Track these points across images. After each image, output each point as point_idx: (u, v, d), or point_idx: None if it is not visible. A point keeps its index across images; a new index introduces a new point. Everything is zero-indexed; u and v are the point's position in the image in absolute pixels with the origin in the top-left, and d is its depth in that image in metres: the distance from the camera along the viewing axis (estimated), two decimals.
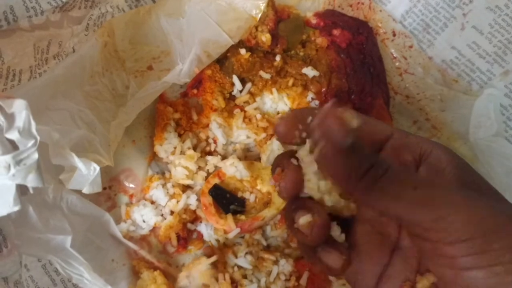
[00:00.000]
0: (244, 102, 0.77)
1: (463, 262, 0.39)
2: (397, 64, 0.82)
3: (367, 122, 0.49)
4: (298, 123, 0.46)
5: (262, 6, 0.74)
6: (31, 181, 0.49)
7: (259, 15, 0.74)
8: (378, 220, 0.48)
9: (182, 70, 0.71)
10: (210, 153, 0.77)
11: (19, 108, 0.46)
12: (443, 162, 0.45)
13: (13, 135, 0.46)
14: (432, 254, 0.42)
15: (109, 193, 0.75)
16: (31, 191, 0.50)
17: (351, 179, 0.41)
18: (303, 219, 0.45)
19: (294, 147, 0.48)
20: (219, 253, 0.73)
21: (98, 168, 0.57)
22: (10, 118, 0.46)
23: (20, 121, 0.46)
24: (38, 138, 0.47)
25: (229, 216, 0.72)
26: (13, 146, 0.47)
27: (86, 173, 0.57)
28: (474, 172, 0.47)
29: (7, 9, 0.53)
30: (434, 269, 0.43)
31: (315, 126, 0.41)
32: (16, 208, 0.49)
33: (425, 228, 0.40)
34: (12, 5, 0.53)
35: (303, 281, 0.72)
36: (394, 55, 0.82)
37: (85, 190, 0.58)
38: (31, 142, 0.47)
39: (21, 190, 0.49)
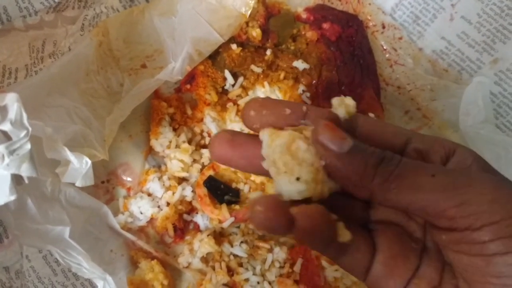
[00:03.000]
0: (236, 96, 0.79)
1: (493, 247, 0.35)
2: (387, 55, 0.84)
3: (379, 125, 0.45)
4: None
5: (251, 3, 0.76)
6: (25, 171, 0.51)
7: (249, 12, 0.76)
8: (404, 223, 0.44)
9: (175, 68, 0.73)
10: (204, 146, 0.80)
11: (11, 101, 0.49)
12: (469, 159, 0.42)
13: (5, 126, 0.49)
14: (461, 244, 0.37)
15: (107, 186, 0.77)
16: (26, 180, 0.53)
17: (365, 180, 0.38)
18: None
19: None
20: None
21: (89, 162, 0.60)
22: (3, 111, 0.49)
23: (12, 113, 0.49)
24: (30, 129, 0.49)
25: (223, 206, 0.74)
26: (6, 137, 0.50)
27: (79, 167, 0.59)
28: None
29: (0, 10, 0.55)
30: (464, 261, 0.38)
31: (314, 143, 0.39)
32: (13, 198, 0.52)
33: (451, 217, 0.36)
34: (5, 5, 0.56)
35: (297, 268, 0.74)
36: (384, 47, 0.84)
37: (78, 183, 0.61)
38: (23, 133, 0.49)
39: (16, 180, 0.52)
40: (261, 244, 0.75)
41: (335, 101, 0.42)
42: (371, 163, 0.38)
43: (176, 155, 0.76)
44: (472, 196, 0.36)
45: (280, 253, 0.74)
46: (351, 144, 0.37)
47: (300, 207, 0.37)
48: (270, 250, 0.74)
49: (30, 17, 0.60)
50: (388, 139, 0.43)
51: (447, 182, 0.37)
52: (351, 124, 0.43)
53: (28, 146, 0.50)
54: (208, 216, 0.76)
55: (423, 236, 0.43)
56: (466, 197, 0.36)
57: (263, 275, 0.74)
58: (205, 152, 0.78)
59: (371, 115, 0.78)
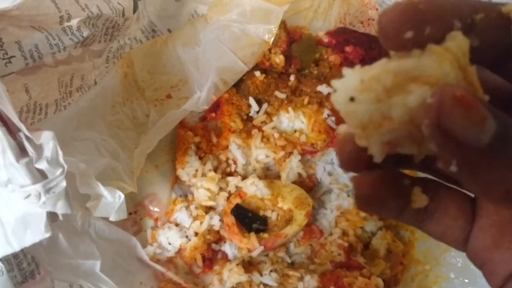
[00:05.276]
0: (261, 122, 0.79)
1: None
2: None
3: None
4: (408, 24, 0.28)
5: (274, 30, 0.75)
6: (61, 208, 0.51)
7: (272, 39, 0.76)
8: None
9: (200, 98, 0.73)
10: (230, 174, 0.79)
11: (47, 139, 0.49)
12: None
13: (42, 165, 0.48)
14: None
15: (135, 217, 0.77)
16: (60, 217, 0.53)
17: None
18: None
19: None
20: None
21: (123, 196, 0.60)
22: (39, 149, 0.49)
23: (48, 151, 0.49)
24: (66, 166, 0.49)
25: (252, 235, 0.73)
26: (42, 175, 0.49)
27: (112, 201, 0.59)
28: None
29: (32, 48, 0.56)
30: None
31: (430, 127, 0.25)
32: (48, 235, 0.52)
33: None
34: (37, 43, 0.56)
35: None
36: None
37: (112, 218, 0.61)
38: (59, 171, 0.49)
39: (51, 217, 0.52)
40: (291, 272, 0.74)
41: None
42: None
43: (203, 184, 0.76)
44: None
45: (311, 281, 0.72)
46: (494, 129, 0.24)
47: (359, 176, 0.32)
48: (301, 279, 0.73)
49: (59, 53, 0.61)
50: None
51: None
52: None
53: (64, 183, 0.50)
54: (236, 245, 0.75)
55: None
56: None
57: None
58: (231, 180, 0.77)
59: None
